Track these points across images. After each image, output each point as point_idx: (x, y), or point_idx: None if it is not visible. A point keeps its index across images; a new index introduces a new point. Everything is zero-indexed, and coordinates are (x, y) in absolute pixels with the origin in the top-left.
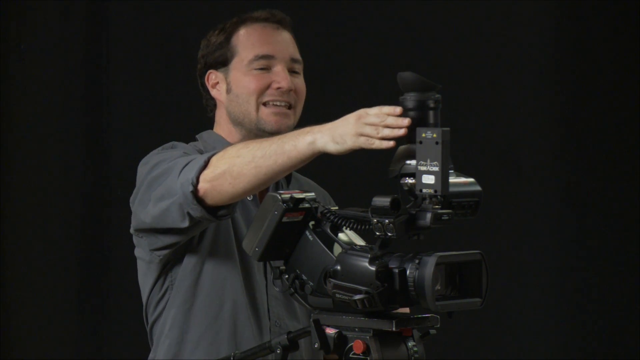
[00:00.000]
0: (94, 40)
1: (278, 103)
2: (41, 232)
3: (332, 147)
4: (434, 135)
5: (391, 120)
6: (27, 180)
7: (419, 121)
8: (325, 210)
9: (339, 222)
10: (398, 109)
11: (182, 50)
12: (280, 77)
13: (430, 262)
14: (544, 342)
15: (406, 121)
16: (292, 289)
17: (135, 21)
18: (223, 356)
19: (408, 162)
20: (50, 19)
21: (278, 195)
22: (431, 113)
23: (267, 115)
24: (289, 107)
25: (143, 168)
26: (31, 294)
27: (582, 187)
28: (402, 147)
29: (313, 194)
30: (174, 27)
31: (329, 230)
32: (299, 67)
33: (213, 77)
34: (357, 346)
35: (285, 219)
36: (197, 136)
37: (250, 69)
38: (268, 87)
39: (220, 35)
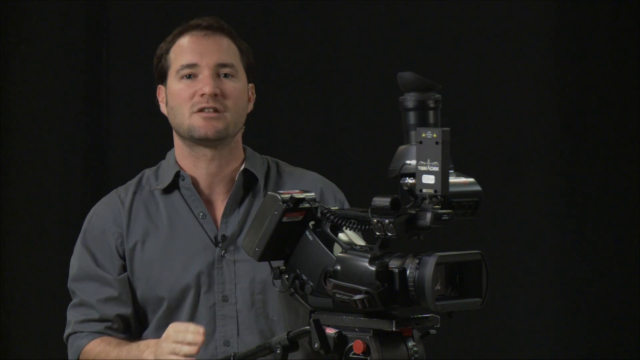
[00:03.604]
0: (94, 40)
1: (205, 110)
2: (41, 232)
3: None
4: (434, 135)
5: (190, 338)
6: (27, 180)
7: (419, 121)
8: (325, 210)
9: (339, 222)
10: (193, 328)
11: None
12: (204, 83)
13: (430, 262)
14: (544, 342)
15: (200, 337)
16: (292, 289)
17: (135, 21)
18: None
19: (408, 162)
20: (50, 20)
21: (278, 195)
22: (431, 113)
23: (197, 121)
24: (218, 111)
25: (76, 250)
26: (31, 294)
27: (582, 187)
28: (402, 147)
29: (313, 194)
30: (174, 27)
31: (329, 230)
32: (229, 71)
33: (161, 93)
34: (357, 346)
35: (285, 219)
36: (167, 153)
37: (178, 79)
38: (194, 95)
39: (160, 50)
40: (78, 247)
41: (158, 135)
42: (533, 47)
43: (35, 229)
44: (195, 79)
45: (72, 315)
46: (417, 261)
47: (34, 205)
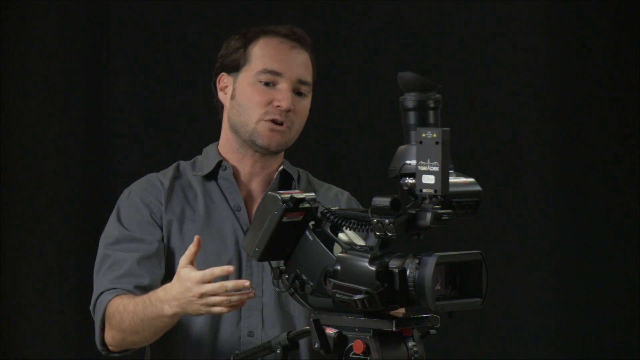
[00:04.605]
0: (94, 40)
1: (276, 121)
2: (41, 232)
3: (192, 314)
4: (434, 135)
5: (235, 296)
6: (27, 179)
7: (419, 121)
8: (325, 210)
9: (339, 222)
10: (230, 269)
11: (182, 51)
12: (282, 96)
13: (430, 262)
14: (544, 342)
15: (247, 283)
16: (292, 289)
17: (135, 21)
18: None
19: (408, 162)
20: (50, 20)
21: (278, 196)
22: (431, 113)
23: (264, 130)
24: (284, 124)
25: (108, 228)
26: (31, 294)
27: (582, 187)
28: (402, 147)
29: (313, 194)
30: (174, 27)
31: (329, 230)
32: (305, 89)
33: (224, 80)
34: (357, 346)
35: (285, 219)
36: (204, 149)
37: (256, 81)
38: (269, 103)
39: (240, 40)
40: (113, 219)
41: (158, 135)
42: (533, 47)
43: (35, 229)
44: (273, 87)
45: (102, 280)
46: (417, 261)
47: (34, 205)
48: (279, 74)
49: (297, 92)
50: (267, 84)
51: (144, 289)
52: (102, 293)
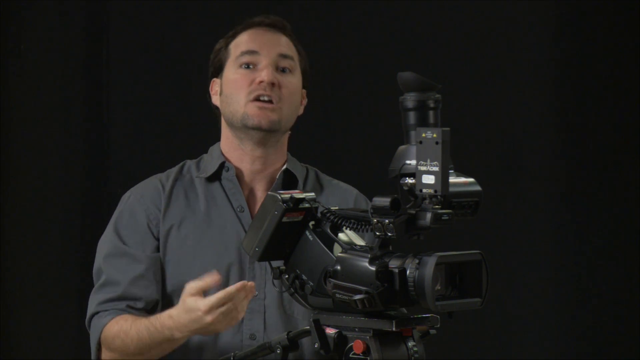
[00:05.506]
0: (94, 40)
1: (261, 97)
2: (41, 232)
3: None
4: (434, 135)
5: (241, 298)
6: (27, 180)
7: (419, 121)
8: (325, 210)
9: (339, 222)
10: (216, 278)
11: (182, 50)
12: (263, 72)
13: (430, 262)
14: (544, 342)
15: (249, 284)
16: (292, 289)
17: (135, 21)
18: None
19: (408, 162)
20: (50, 19)
21: (278, 196)
22: (431, 113)
23: (252, 110)
24: (272, 101)
25: (106, 234)
26: (31, 294)
27: (582, 187)
28: (402, 147)
29: (313, 194)
30: (174, 27)
31: (329, 230)
32: (289, 64)
33: (215, 86)
34: (357, 346)
35: (285, 219)
36: (210, 148)
37: (237, 67)
38: (252, 83)
39: (222, 42)
40: (111, 226)
41: (158, 134)
42: (533, 47)
43: (35, 229)
44: (254, 68)
45: (95, 298)
46: (417, 261)
47: (34, 205)
48: (256, 52)
49: (282, 69)
50: (247, 66)
51: (139, 310)
52: (96, 314)
